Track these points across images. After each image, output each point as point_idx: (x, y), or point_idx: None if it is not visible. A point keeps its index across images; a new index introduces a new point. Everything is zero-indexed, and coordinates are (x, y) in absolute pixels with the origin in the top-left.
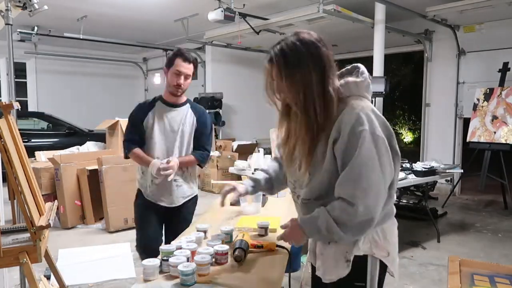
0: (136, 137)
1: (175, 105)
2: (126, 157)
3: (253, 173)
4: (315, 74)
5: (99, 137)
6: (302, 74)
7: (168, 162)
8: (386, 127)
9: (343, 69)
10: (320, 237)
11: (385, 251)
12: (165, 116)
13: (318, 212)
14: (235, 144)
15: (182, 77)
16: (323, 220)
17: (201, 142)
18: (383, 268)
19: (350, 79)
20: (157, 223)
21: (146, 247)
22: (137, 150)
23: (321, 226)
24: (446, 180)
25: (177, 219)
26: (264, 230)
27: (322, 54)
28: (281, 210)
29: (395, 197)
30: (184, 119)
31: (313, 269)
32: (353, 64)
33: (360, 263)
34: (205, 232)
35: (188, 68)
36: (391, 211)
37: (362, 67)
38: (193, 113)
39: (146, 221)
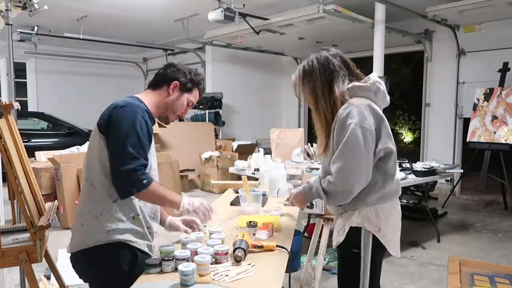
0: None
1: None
2: (137, 190)
3: (253, 173)
4: (323, 82)
5: None
6: (314, 82)
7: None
8: (380, 119)
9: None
10: (316, 198)
11: (376, 226)
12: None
13: (314, 183)
14: (235, 144)
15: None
16: (316, 188)
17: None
18: (378, 242)
19: (356, 83)
20: None
21: None
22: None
23: (314, 192)
24: (446, 180)
25: None
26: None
27: (331, 65)
28: (281, 209)
29: (391, 185)
30: None
31: None
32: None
33: (356, 234)
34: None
35: None
36: (387, 195)
37: (371, 75)
38: None
39: None
